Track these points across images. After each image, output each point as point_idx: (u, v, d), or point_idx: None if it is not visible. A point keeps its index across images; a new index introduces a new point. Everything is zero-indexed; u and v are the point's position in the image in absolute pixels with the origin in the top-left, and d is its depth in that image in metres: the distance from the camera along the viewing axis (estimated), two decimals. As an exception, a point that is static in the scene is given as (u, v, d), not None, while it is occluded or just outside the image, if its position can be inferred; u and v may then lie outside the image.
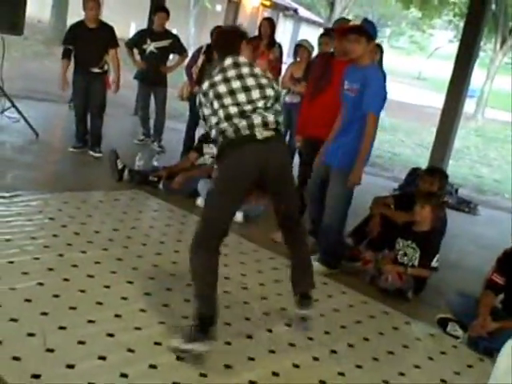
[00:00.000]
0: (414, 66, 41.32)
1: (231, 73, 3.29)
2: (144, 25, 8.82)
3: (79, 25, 6.59)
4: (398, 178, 8.34)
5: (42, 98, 9.41)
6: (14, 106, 7.01)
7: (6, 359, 2.71)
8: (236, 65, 3.32)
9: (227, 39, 3.53)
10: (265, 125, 3.18)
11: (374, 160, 9.46)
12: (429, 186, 4.73)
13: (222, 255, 4.35)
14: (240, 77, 3.28)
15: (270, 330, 3.49)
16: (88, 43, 6.43)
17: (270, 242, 4.86)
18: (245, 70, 3.31)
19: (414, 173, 5.21)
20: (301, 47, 6.97)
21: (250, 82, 3.28)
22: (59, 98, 9.26)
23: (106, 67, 6.63)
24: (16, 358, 2.73)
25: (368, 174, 8.31)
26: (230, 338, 3.28)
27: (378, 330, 3.80)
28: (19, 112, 7.01)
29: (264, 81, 3.32)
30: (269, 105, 3.27)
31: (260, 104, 3.24)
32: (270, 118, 3.21)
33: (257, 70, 3.36)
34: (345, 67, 4.45)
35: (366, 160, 4.33)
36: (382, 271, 4.35)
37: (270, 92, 3.30)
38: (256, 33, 7.60)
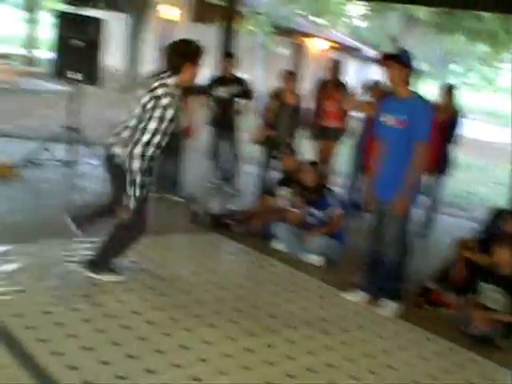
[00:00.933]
0: (483, 101, 40.55)
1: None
2: (213, 71, 9.02)
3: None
4: (475, 218, 8.11)
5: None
6: (93, 152, 7.26)
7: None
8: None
9: (172, 56, 3.80)
10: None
11: (451, 199, 9.25)
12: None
13: (301, 299, 4.37)
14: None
15: (354, 378, 3.41)
16: None
17: (349, 285, 4.79)
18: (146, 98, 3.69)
19: (498, 214, 5.06)
20: (374, 87, 6.95)
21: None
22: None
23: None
24: None
25: (446, 215, 8.19)
26: None
27: (468, 381, 3.66)
28: (98, 158, 7.24)
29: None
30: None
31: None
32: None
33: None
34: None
35: (414, 190, 4.24)
36: (470, 317, 4.20)
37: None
38: (323, 75, 7.68)
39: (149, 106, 3.72)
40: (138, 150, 3.72)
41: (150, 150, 3.76)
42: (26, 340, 3.18)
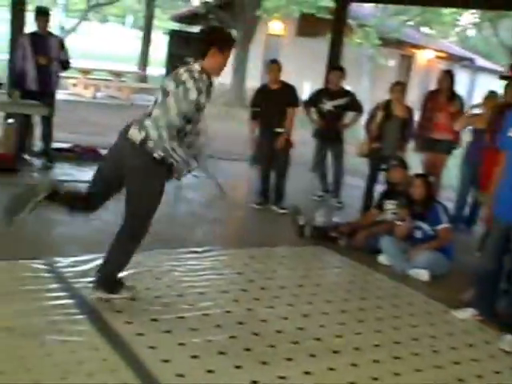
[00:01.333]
0: None
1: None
2: (317, 84, 9.05)
3: (263, 87, 6.98)
4: None
5: (225, 157, 9.92)
6: (200, 166, 7.47)
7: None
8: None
9: (199, 42, 3.65)
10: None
11: None
12: None
13: (407, 315, 4.27)
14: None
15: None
16: (271, 104, 6.73)
17: (457, 303, 4.62)
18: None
19: None
20: (489, 98, 6.70)
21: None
22: (240, 156, 9.74)
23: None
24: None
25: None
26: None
27: None
28: (206, 170, 7.45)
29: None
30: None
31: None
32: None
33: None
34: None
35: None
36: None
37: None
38: (432, 85, 7.50)
39: (173, 90, 3.59)
40: (156, 132, 3.54)
41: (170, 133, 3.52)
42: (138, 347, 3.32)
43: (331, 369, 3.39)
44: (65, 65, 7.34)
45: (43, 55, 6.97)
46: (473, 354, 3.83)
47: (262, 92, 6.98)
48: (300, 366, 3.37)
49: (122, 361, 3.14)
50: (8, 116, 7.34)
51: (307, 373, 3.30)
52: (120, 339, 3.37)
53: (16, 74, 7.02)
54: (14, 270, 4.14)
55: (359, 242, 5.67)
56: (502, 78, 6.58)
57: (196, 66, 3.61)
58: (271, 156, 6.89)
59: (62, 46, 7.25)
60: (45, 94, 7.06)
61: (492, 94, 6.73)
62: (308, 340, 3.70)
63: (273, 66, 6.85)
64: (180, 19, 23.61)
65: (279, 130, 6.77)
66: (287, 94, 6.84)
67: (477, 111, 6.82)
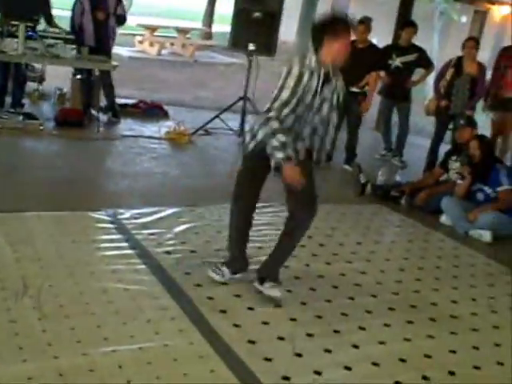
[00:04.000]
0: None
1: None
2: (385, 40, 8.80)
3: (350, 44, 6.85)
4: None
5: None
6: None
7: (259, 360, 2.89)
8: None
9: (313, 33, 3.37)
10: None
11: None
12: None
13: (467, 275, 4.21)
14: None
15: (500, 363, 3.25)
16: (353, 63, 6.59)
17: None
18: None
19: None
20: None
21: None
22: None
23: (365, 88, 6.75)
24: (268, 359, 2.90)
25: None
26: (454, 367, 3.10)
27: None
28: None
29: None
30: None
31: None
32: None
33: None
34: None
35: None
36: None
37: None
38: (506, 42, 7.19)
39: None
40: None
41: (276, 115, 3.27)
42: (196, 297, 3.40)
43: (386, 325, 3.39)
44: (121, 20, 7.37)
45: (101, 10, 7.04)
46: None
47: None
48: (355, 321, 3.39)
49: (181, 310, 3.24)
50: (77, 72, 7.51)
51: (362, 328, 3.32)
52: (179, 289, 3.47)
53: (76, 30, 7.13)
54: (79, 220, 4.29)
55: (421, 202, 5.58)
56: None
57: (310, 58, 3.34)
58: (343, 114, 6.82)
59: (118, 0, 7.29)
60: (101, 49, 7.13)
61: None
62: (364, 296, 3.71)
63: (360, 26, 6.62)
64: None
65: (356, 89, 6.66)
66: (373, 55, 6.74)
67: None
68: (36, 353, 2.69)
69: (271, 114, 3.26)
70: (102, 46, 7.16)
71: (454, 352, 3.21)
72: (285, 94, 3.27)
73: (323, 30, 3.32)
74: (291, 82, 3.27)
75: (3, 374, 2.52)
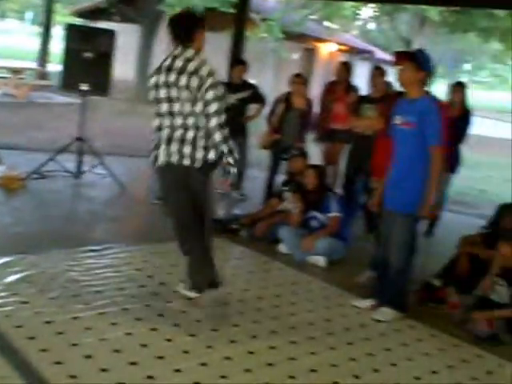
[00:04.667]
0: (497, 100, 40.21)
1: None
2: (221, 78, 9.05)
3: None
4: (485, 216, 8.02)
5: (127, 153, 9.77)
6: (102, 163, 7.34)
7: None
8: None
9: (180, 25, 3.65)
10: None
11: (458, 198, 9.23)
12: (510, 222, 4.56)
13: (305, 301, 4.37)
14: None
15: (356, 376, 3.41)
16: None
17: (354, 286, 4.78)
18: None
19: (503, 209, 5.03)
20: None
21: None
22: (142, 152, 9.59)
23: None
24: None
25: (454, 212, 8.15)
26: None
27: (472, 376, 3.63)
28: (106, 168, 7.33)
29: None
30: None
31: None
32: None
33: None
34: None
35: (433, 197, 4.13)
36: (470, 318, 4.17)
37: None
38: (332, 77, 7.68)
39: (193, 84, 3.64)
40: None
41: None
42: (27, 350, 3.21)
43: (227, 358, 3.42)
44: None
45: None
46: (365, 334, 3.97)
47: None
48: (195, 358, 3.38)
49: (12, 366, 3.04)
50: None
51: (203, 364, 3.32)
52: (9, 344, 3.26)
53: None
54: None
55: (259, 233, 5.74)
56: (389, 63, 6.77)
57: (191, 54, 3.62)
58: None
59: None
60: None
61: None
62: (206, 331, 3.72)
63: None
64: (81, 14, 23.01)
65: None
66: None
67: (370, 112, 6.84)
68: None
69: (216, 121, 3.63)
70: None
71: (292, 377, 3.30)
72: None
73: (195, 23, 3.65)
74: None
75: None
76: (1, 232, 5.19)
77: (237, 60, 8.28)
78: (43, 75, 18.97)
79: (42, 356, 3.17)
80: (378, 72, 6.69)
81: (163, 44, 21.18)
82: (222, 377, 3.22)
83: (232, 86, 7.61)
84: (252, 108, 7.86)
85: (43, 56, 20.13)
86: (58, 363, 3.12)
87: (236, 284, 4.65)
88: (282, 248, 5.51)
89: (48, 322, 3.56)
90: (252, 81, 7.89)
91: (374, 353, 3.70)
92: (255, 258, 5.34)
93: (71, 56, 7.21)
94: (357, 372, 3.45)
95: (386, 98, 6.20)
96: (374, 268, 4.67)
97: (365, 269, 4.85)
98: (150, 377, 3.12)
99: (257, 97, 7.69)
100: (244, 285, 4.67)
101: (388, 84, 6.90)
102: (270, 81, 18.59)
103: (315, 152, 7.39)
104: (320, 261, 5.25)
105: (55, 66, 19.26)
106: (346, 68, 7.46)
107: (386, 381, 3.41)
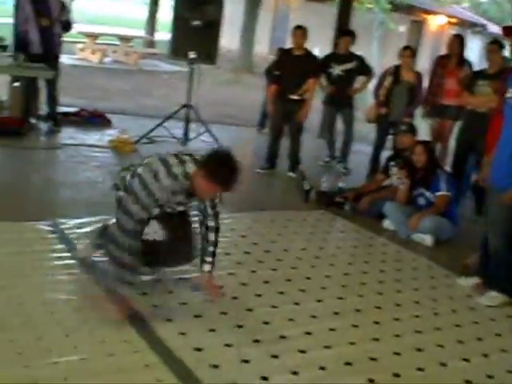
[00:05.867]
0: None
1: None
2: (327, 49, 8.95)
3: (287, 52, 6.94)
4: None
5: (232, 122, 9.90)
6: (208, 130, 7.47)
7: (206, 367, 2.87)
8: None
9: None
10: None
11: None
12: None
13: (410, 279, 4.30)
14: None
15: (465, 359, 3.32)
16: (293, 70, 6.68)
17: (461, 268, 4.63)
18: None
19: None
20: None
21: None
22: (247, 121, 9.72)
23: (305, 95, 6.81)
24: (215, 366, 2.88)
25: None
26: (399, 369, 3.13)
27: None
28: (212, 136, 7.45)
29: None
30: None
31: None
32: None
33: None
34: None
35: None
36: None
37: None
38: (443, 51, 7.40)
39: None
40: None
41: None
42: (138, 304, 3.35)
43: (332, 329, 3.42)
44: (66, 26, 7.27)
45: (44, 16, 6.91)
46: (473, 317, 3.85)
47: (285, 56, 6.94)
48: (300, 326, 3.40)
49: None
50: (14, 79, 7.33)
51: (308, 333, 3.34)
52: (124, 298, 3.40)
53: (20, 37, 6.98)
54: (20, 230, 4.16)
55: (364, 207, 5.67)
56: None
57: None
58: (284, 122, 6.88)
59: (62, 6, 7.18)
60: (48, 56, 7.01)
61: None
62: (308, 302, 3.73)
63: (298, 31, 6.75)
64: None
65: (296, 96, 6.72)
66: (310, 62, 6.81)
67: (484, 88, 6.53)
68: (-27, 367, 2.60)
69: None
70: (48, 53, 7.03)
71: (398, 354, 3.26)
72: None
73: (205, 163, 3.12)
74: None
75: None
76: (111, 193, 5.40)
77: (344, 31, 8.13)
78: (151, 43, 19.47)
79: (154, 311, 3.30)
80: (494, 47, 6.36)
81: (268, 15, 21.21)
82: (326, 347, 3.22)
83: (338, 57, 7.50)
84: (358, 80, 7.73)
85: (151, 24, 20.61)
86: (169, 320, 3.24)
87: (339, 257, 4.63)
88: (387, 224, 5.42)
89: (157, 281, 3.69)
90: (358, 53, 7.74)
91: (483, 337, 3.59)
92: (359, 233, 5.29)
93: (180, 24, 7.33)
94: (466, 355, 3.36)
95: (502, 74, 5.91)
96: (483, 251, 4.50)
97: (474, 251, 4.69)
98: (256, 340, 3.17)
99: (364, 69, 7.55)
100: (348, 258, 4.64)
101: (505, 59, 6.57)
102: (375, 53, 18.21)
103: (423, 128, 7.17)
104: (426, 239, 5.12)
105: (162, 35, 19.74)
106: (459, 41, 7.14)
107: (496, 366, 3.30)
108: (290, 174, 6.84)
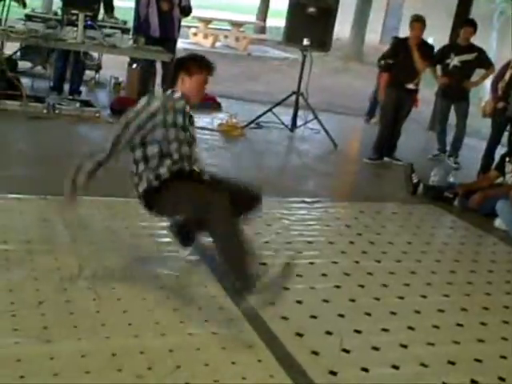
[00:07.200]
0: None
1: None
2: (441, 39, 8.66)
3: (403, 41, 6.83)
4: None
5: (340, 111, 9.82)
6: (316, 118, 7.45)
7: (306, 353, 2.89)
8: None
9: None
10: None
11: None
12: None
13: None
14: None
15: None
16: (409, 59, 6.58)
17: None
18: None
19: None
20: None
21: None
22: (355, 111, 9.60)
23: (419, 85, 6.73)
24: (315, 353, 2.90)
25: None
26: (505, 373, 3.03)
27: None
28: (320, 124, 7.42)
29: None
30: None
31: None
32: None
33: None
34: None
35: None
36: None
37: None
38: None
39: None
40: None
41: None
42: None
43: (435, 326, 3.35)
44: (186, 10, 7.46)
45: (165, 1, 7.11)
46: None
47: (402, 46, 6.83)
48: (404, 320, 3.35)
49: (231, 300, 3.26)
50: (132, 61, 7.63)
51: (411, 328, 3.28)
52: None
53: (140, 21, 7.23)
54: (131, 206, 4.32)
55: (475, 204, 5.47)
56: None
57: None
58: (395, 111, 6.79)
59: None
60: (167, 40, 7.24)
61: None
62: (413, 296, 3.67)
63: (416, 23, 6.63)
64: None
65: (412, 86, 6.65)
66: (425, 52, 6.68)
67: None
68: (90, 332, 2.76)
69: None
70: (167, 36, 7.27)
71: (504, 358, 3.15)
72: None
73: (179, 66, 3.54)
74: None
75: (59, 350, 2.59)
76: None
77: (466, 21, 7.82)
78: (262, 29, 19.61)
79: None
80: None
81: (382, 2, 20.78)
82: (429, 343, 3.16)
83: (457, 48, 7.24)
84: (476, 73, 7.43)
85: (263, 10, 20.75)
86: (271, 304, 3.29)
87: (446, 254, 4.51)
88: (499, 223, 5.21)
89: (263, 264, 3.74)
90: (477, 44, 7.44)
91: None
92: (468, 230, 5.12)
93: (296, 11, 7.33)
94: None
95: None
96: None
97: None
98: (357, 331, 3.16)
99: (483, 61, 7.24)
100: (455, 255, 4.51)
101: None
102: (494, 45, 17.41)
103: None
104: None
105: (273, 21, 19.85)
106: None
107: None
108: (388, 159, 6.88)
